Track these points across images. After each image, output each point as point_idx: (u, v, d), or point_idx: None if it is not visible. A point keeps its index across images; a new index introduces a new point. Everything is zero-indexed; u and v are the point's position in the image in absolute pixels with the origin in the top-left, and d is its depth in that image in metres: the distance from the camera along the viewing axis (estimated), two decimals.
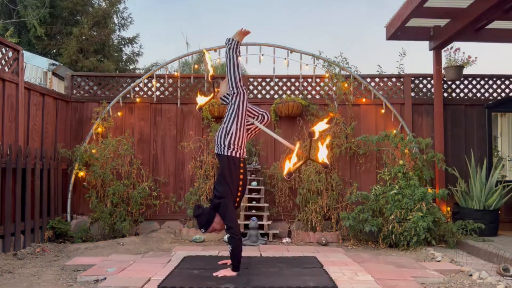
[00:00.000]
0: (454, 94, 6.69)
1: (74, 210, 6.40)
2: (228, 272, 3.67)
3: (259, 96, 6.76)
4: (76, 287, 3.58)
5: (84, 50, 12.33)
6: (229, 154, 3.74)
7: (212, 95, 4.41)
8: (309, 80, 6.69)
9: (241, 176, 3.79)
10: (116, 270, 3.89)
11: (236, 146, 3.76)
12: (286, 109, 6.27)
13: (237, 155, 3.77)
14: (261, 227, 5.83)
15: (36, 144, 5.73)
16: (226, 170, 3.74)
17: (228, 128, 3.77)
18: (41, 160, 5.63)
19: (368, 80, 6.66)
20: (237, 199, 3.84)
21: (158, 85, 6.71)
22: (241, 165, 3.81)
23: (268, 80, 6.75)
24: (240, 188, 3.81)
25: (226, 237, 5.75)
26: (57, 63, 9.62)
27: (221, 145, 3.77)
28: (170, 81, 6.72)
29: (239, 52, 4.00)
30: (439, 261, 4.54)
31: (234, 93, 3.84)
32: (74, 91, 6.71)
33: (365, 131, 6.44)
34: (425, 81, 6.70)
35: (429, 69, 6.59)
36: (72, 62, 11.71)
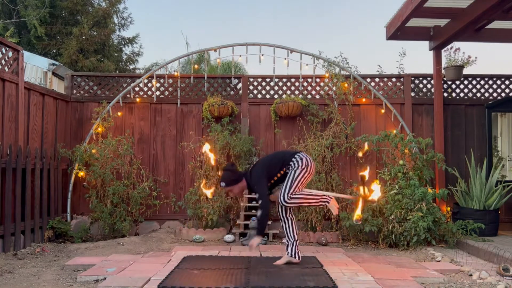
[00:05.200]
0: (454, 94, 6.69)
1: (74, 210, 6.41)
2: (256, 240, 3.86)
3: (259, 96, 6.76)
4: (76, 287, 3.58)
5: (84, 50, 12.34)
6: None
7: None
8: (309, 80, 6.69)
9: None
10: (116, 270, 3.89)
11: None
12: (286, 109, 6.27)
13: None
14: None
15: (36, 144, 5.73)
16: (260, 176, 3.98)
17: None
18: (41, 160, 5.63)
19: (368, 80, 6.66)
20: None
21: (158, 85, 6.71)
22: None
23: (268, 80, 6.75)
24: None
25: (226, 237, 5.76)
26: (57, 63, 9.60)
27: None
28: (170, 81, 6.72)
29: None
30: (439, 261, 4.54)
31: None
32: (74, 91, 6.72)
33: (365, 131, 6.45)
34: (425, 81, 6.70)
35: (429, 69, 6.60)
36: (72, 62, 11.72)
